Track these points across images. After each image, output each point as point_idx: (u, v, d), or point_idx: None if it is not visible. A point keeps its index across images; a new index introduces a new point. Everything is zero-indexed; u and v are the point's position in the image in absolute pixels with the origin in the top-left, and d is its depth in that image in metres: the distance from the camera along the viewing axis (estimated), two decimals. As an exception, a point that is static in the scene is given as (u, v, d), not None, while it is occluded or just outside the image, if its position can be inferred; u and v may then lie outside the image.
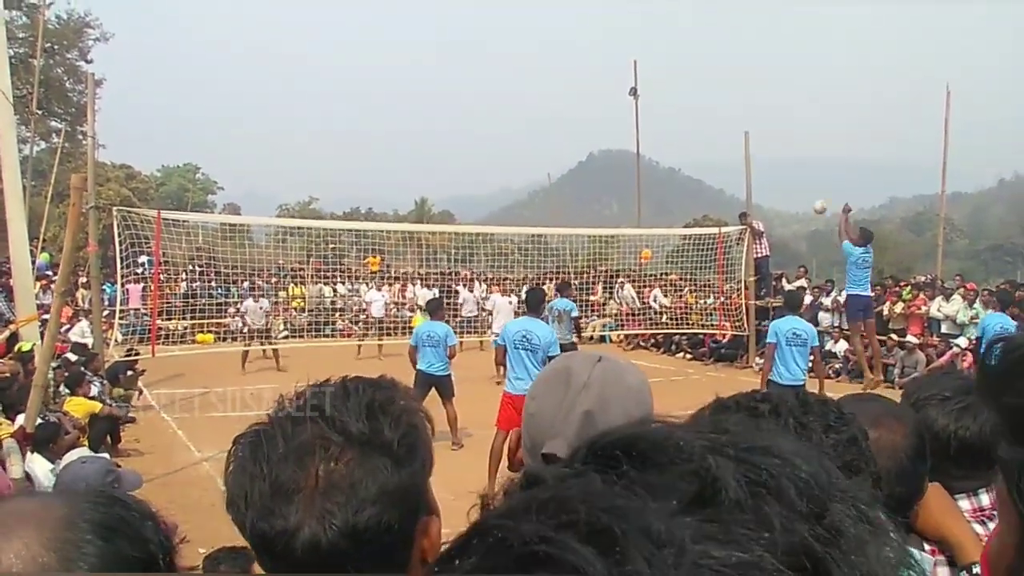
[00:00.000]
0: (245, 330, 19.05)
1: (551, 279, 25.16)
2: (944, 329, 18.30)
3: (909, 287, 20.29)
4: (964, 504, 1.96)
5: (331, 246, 25.90)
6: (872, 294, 15.41)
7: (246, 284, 21.96)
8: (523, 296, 12.90)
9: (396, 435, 1.15)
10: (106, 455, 7.94)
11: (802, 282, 22.63)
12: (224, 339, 20.99)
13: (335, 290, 25.07)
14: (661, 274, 24.65)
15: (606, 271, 24.88)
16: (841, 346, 19.11)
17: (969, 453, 1.97)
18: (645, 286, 23.62)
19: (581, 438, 1.32)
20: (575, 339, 14.61)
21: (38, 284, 15.23)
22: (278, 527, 1.07)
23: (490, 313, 20.71)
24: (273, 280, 24.63)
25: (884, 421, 1.66)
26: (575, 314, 14.85)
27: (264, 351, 19.03)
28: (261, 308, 19.08)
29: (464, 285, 23.53)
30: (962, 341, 17.40)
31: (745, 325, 19.52)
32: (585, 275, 24.60)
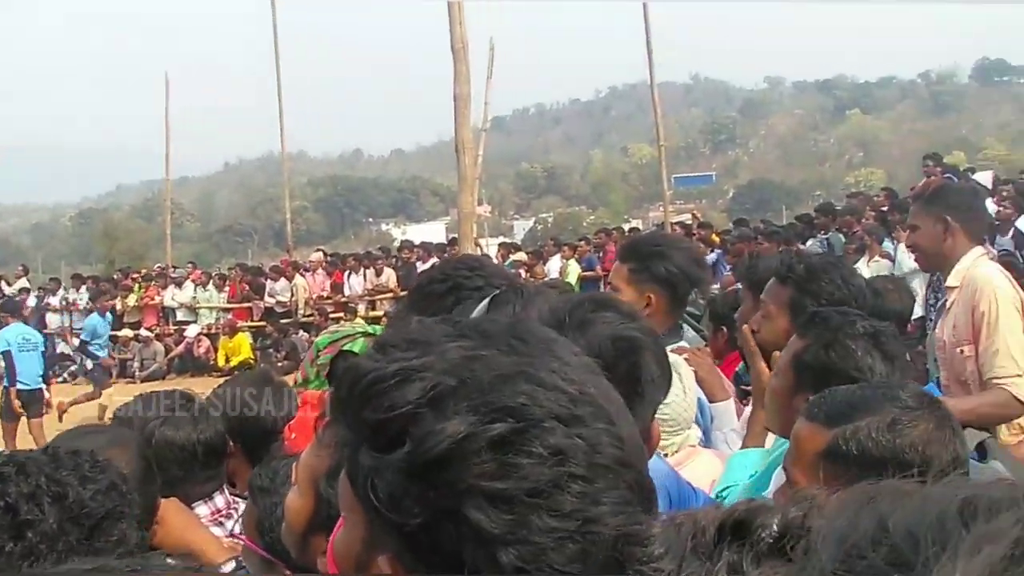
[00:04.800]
0: None
1: None
2: (180, 316, 18.39)
3: (140, 280, 19.85)
4: (202, 510, 2.14)
5: None
6: None
7: None
8: None
9: None
10: None
11: (23, 282, 20.85)
12: None
13: None
14: None
15: None
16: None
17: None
18: None
19: None
20: None
21: None
22: None
23: None
24: None
25: (109, 452, 1.59)
26: None
27: None
28: None
29: None
30: (193, 328, 17.64)
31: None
32: None
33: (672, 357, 2.35)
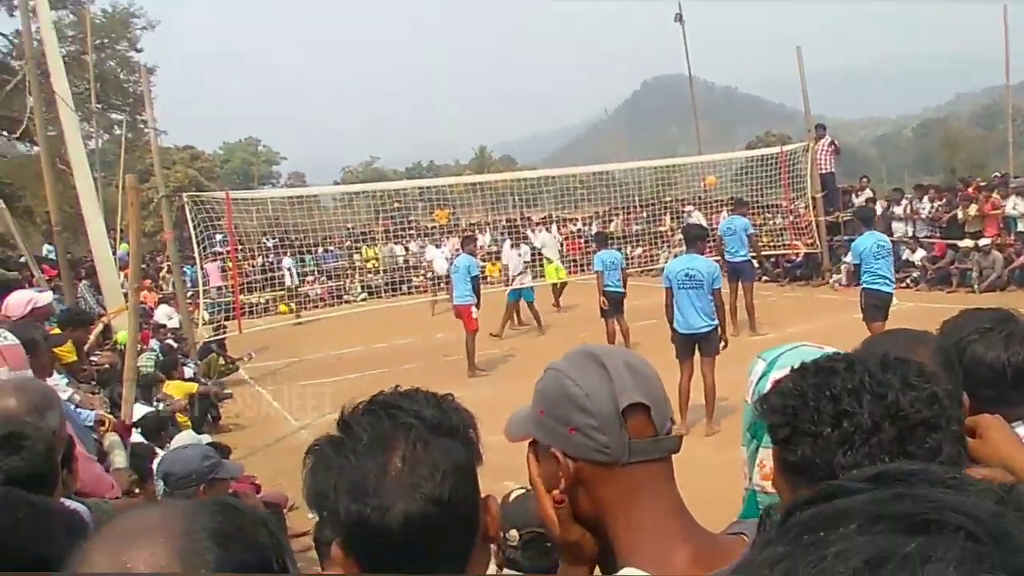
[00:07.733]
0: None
1: (618, 214, 25.05)
2: (1021, 227, 17.77)
3: (980, 189, 19.56)
4: (1021, 431, 1.99)
5: (396, 204, 25.52)
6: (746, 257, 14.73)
7: (320, 250, 22.47)
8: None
9: (460, 421, 1.37)
10: (207, 437, 8.25)
11: (868, 193, 22.12)
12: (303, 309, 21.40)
13: (407, 248, 24.93)
14: (729, 199, 24.06)
15: (672, 200, 24.52)
16: (919, 255, 18.80)
17: None
18: (714, 211, 23.07)
19: (637, 384, 1.40)
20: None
21: (122, 274, 15.52)
22: (373, 504, 1.24)
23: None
24: (345, 244, 24.96)
25: (910, 346, 1.81)
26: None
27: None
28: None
29: (533, 230, 22.90)
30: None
31: (817, 242, 19.26)
32: (652, 206, 24.31)
33: None
